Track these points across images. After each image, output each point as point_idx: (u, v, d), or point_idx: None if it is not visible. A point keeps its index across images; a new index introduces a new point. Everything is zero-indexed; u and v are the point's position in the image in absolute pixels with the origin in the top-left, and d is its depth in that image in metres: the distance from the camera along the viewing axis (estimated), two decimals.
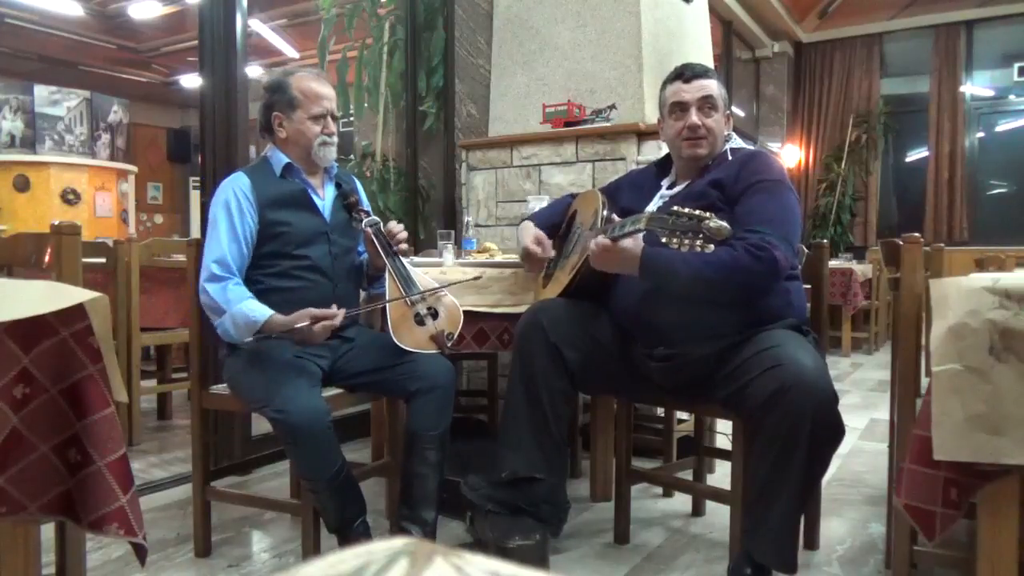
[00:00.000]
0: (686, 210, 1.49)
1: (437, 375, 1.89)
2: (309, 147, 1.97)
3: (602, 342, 1.91)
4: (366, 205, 2.12)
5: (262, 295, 1.87)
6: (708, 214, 1.47)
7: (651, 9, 3.13)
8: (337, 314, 1.76)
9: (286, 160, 1.97)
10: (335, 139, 2.01)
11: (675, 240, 1.49)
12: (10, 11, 6.91)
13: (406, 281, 1.92)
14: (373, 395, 2.10)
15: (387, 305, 1.89)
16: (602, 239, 1.73)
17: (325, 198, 2.03)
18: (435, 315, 1.91)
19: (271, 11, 6.82)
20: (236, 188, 1.90)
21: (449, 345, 1.88)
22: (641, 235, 1.69)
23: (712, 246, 1.47)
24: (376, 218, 1.99)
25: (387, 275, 1.93)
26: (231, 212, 1.87)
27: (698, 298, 1.73)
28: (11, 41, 7.61)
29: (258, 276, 1.92)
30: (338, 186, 2.07)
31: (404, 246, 1.98)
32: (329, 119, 1.98)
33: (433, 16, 3.77)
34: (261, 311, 1.79)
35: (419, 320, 1.89)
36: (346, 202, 2.02)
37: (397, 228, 1.98)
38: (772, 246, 1.67)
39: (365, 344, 1.98)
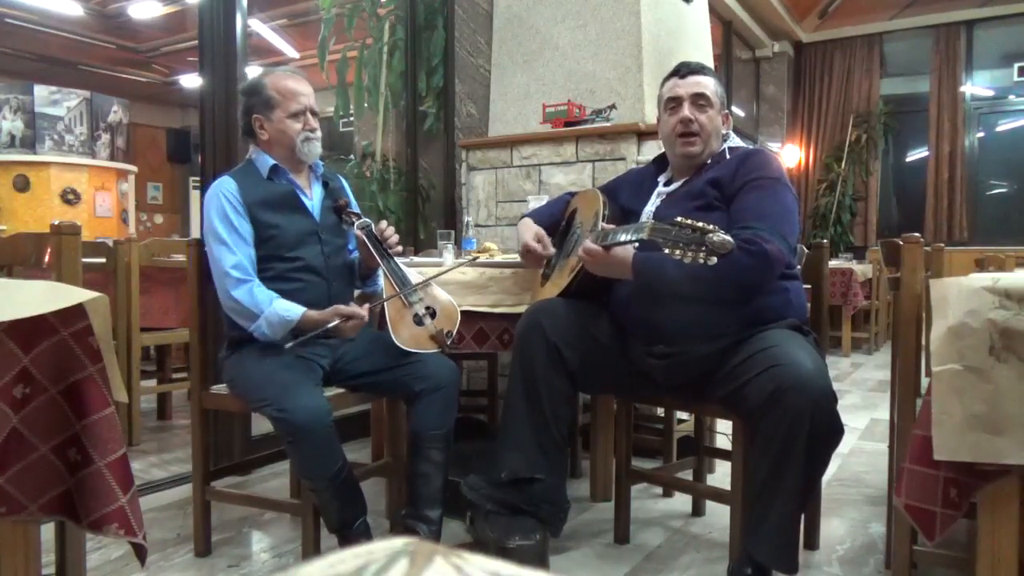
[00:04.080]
0: (688, 222, 1.48)
1: (441, 375, 1.90)
2: (292, 145, 1.95)
3: (602, 341, 1.91)
4: (354, 205, 2.11)
5: None
6: (712, 226, 1.46)
7: (651, 9, 3.13)
8: (363, 312, 1.81)
9: (272, 162, 1.96)
10: (318, 134, 1.99)
11: (677, 252, 1.47)
12: (10, 11, 6.91)
13: (401, 281, 1.92)
14: (374, 395, 2.10)
15: (385, 307, 1.89)
16: (591, 245, 1.74)
17: (313, 198, 2.02)
18: (433, 314, 1.92)
19: (271, 11, 6.81)
20: (224, 192, 1.89)
21: (449, 343, 1.89)
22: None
23: (715, 259, 1.45)
24: (367, 220, 1.99)
25: (383, 277, 1.94)
26: (228, 216, 1.86)
27: (694, 297, 1.72)
28: (11, 41, 7.61)
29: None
30: (325, 185, 2.06)
31: (399, 248, 1.98)
32: (309, 115, 1.96)
33: (433, 16, 3.77)
34: (295, 309, 1.81)
35: (418, 320, 1.89)
36: (335, 205, 2.02)
37: (388, 230, 1.98)
38: (763, 240, 1.66)
39: (365, 343, 1.97)
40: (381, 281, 1.94)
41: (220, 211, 1.87)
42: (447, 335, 1.89)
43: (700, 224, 1.47)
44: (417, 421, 1.89)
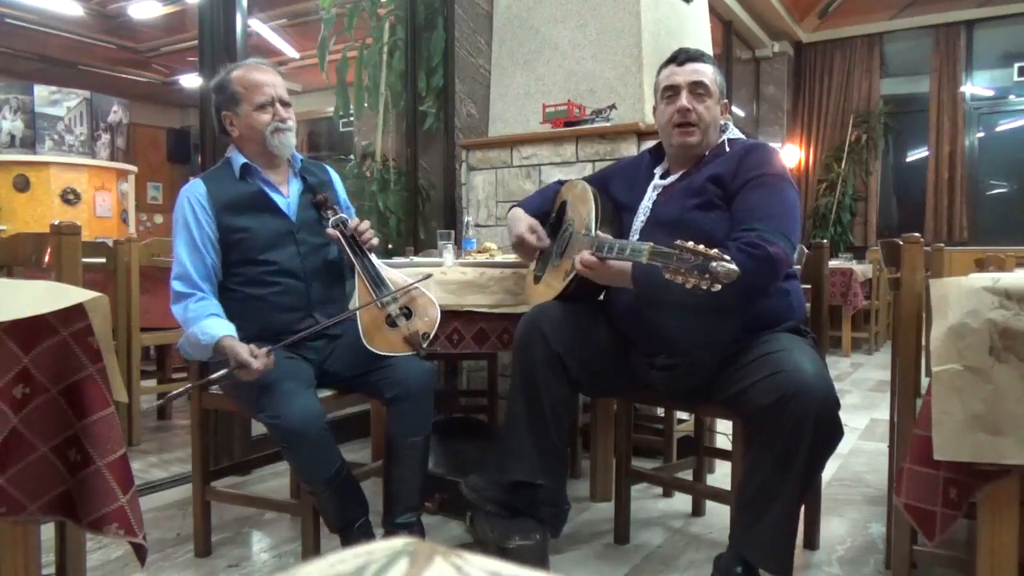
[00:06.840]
0: (689, 245, 1.43)
1: (412, 381, 1.80)
2: (262, 139, 1.88)
3: (603, 348, 1.89)
4: (341, 196, 2.04)
5: (239, 304, 1.83)
6: (714, 251, 1.41)
7: (651, 9, 3.13)
8: (256, 366, 1.64)
9: (243, 161, 1.90)
10: (290, 124, 1.90)
11: (679, 278, 1.43)
12: (10, 11, 6.91)
13: (375, 281, 1.84)
14: (363, 396, 2.07)
15: (358, 309, 1.81)
16: (589, 258, 1.71)
17: (289, 195, 1.94)
18: (408, 315, 1.84)
19: (271, 11, 6.82)
20: (191, 196, 1.84)
21: (424, 346, 1.81)
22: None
23: (719, 287, 1.40)
24: (342, 216, 1.90)
25: (356, 276, 1.86)
26: (188, 223, 1.82)
27: (695, 304, 1.67)
28: (11, 41, 7.61)
29: (230, 285, 1.86)
30: (304, 180, 1.98)
31: (374, 241, 1.90)
32: (278, 105, 1.88)
33: (433, 16, 3.77)
34: (213, 332, 1.71)
35: (391, 322, 1.82)
36: (315, 200, 1.93)
37: (363, 226, 1.89)
38: (767, 242, 1.61)
39: (349, 343, 1.89)
40: (356, 283, 1.86)
41: (182, 216, 1.83)
42: (423, 337, 1.81)
43: (701, 248, 1.42)
44: (392, 426, 1.83)
